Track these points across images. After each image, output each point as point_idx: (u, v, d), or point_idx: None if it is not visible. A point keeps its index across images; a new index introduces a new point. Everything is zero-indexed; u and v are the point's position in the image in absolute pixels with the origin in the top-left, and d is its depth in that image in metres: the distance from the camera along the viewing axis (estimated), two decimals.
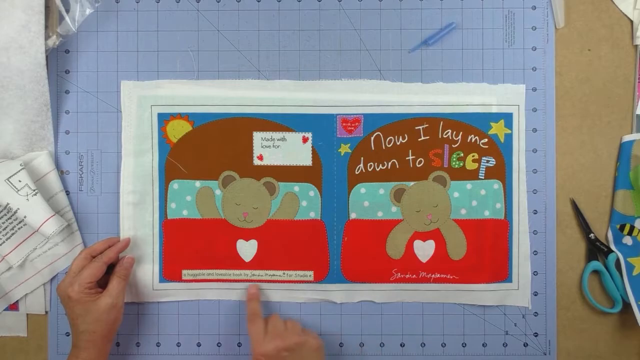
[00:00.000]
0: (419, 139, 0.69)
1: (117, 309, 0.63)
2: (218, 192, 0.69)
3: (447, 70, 0.69)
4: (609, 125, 0.70)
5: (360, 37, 0.69)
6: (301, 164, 0.69)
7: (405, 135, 0.69)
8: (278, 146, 0.69)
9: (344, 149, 0.69)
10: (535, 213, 0.70)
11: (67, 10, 0.66)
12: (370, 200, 0.69)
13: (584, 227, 0.70)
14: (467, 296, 0.69)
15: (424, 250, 0.69)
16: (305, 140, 0.69)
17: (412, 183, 0.69)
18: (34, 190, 0.64)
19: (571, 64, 0.70)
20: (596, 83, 0.70)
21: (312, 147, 0.69)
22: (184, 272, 0.69)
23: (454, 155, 0.69)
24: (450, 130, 0.68)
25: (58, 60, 0.69)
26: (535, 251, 0.70)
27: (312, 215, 0.69)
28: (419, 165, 0.69)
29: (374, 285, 0.70)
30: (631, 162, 0.69)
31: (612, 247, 0.69)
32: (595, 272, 0.70)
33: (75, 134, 0.69)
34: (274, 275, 0.70)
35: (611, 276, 0.69)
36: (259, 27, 0.69)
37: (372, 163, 0.69)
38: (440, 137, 0.69)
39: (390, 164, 0.69)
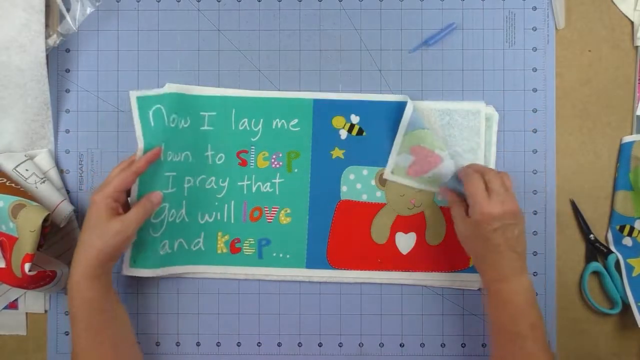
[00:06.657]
0: None
1: (125, 237, 0.60)
2: None
3: (447, 70, 0.69)
4: (609, 126, 0.70)
5: (361, 37, 0.69)
6: None
7: None
8: None
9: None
10: (535, 214, 0.69)
11: (68, 10, 0.66)
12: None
13: (584, 228, 0.70)
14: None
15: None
16: None
17: None
18: (42, 178, 0.64)
19: (571, 65, 0.70)
20: (596, 84, 0.70)
21: None
22: None
23: None
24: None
25: (58, 59, 0.69)
26: (535, 252, 0.69)
27: None
28: None
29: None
30: (631, 163, 0.68)
31: (612, 248, 0.69)
32: (595, 273, 0.70)
33: (76, 133, 0.70)
34: None
35: (611, 277, 0.69)
36: (260, 27, 0.69)
37: None
38: None
39: None
